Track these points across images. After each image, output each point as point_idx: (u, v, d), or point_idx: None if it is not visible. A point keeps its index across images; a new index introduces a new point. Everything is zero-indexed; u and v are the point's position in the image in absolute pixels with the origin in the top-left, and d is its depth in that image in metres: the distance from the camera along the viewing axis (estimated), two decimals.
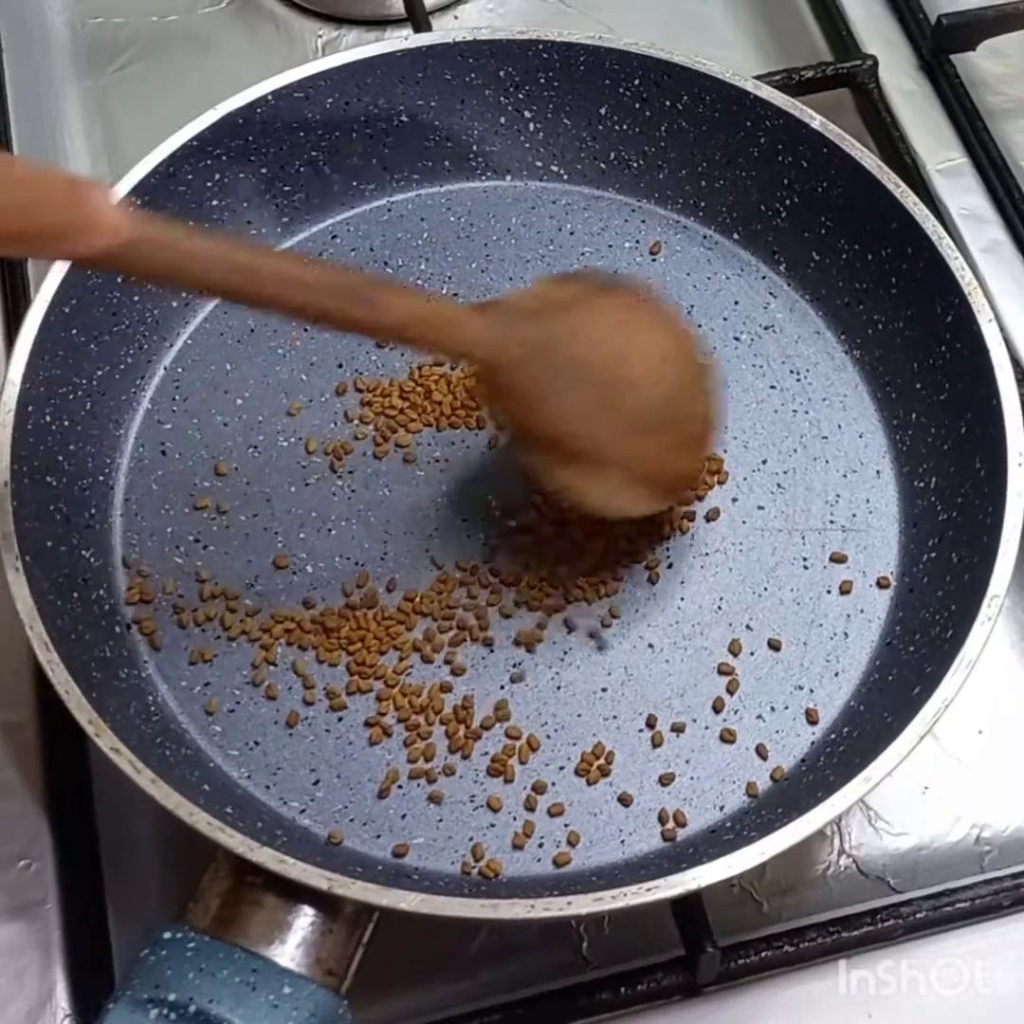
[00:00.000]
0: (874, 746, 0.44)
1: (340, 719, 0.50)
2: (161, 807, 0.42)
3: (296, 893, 0.41)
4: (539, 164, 0.62)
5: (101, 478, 0.54)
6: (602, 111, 0.60)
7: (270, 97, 0.58)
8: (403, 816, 0.48)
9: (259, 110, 0.58)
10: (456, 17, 0.74)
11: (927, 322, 0.54)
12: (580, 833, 0.47)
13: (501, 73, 0.60)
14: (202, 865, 0.42)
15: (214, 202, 0.58)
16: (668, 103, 0.59)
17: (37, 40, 0.73)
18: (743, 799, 0.48)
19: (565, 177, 0.62)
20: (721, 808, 0.48)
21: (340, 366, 0.57)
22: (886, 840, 0.51)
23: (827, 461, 0.55)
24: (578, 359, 0.48)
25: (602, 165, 0.61)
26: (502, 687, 0.50)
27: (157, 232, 0.41)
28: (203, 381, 0.57)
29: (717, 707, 0.50)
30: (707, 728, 0.49)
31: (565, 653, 0.51)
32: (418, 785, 0.48)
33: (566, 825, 0.48)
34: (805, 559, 0.53)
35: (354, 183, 0.61)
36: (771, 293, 0.59)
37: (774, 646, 0.51)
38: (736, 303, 0.59)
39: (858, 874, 0.51)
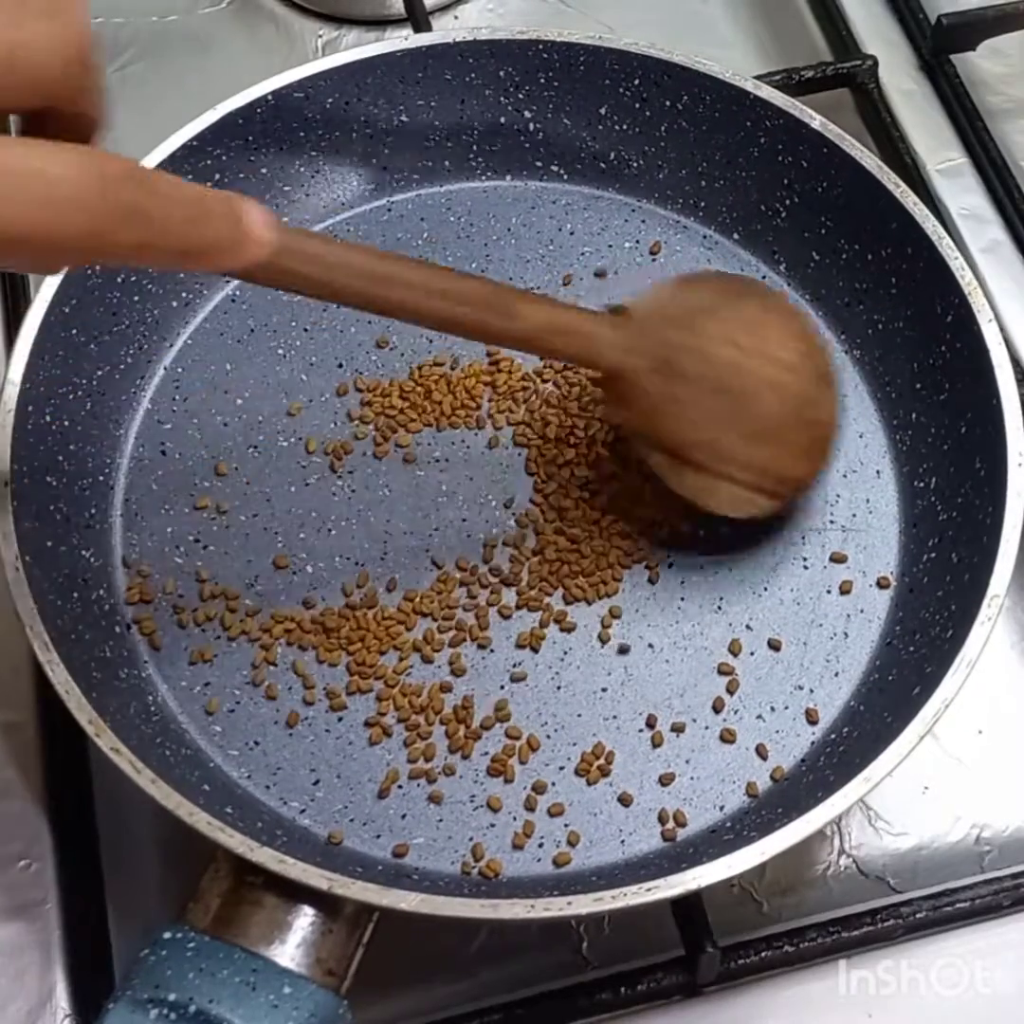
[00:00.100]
0: (874, 746, 0.44)
1: (340, 719, 0.50)
2: (161, 807, 0.42)
3: (296, 893, 0.41)
4: (539, 164, 0.62)
5: (101, 478, 0.54)
6: (602, 111, 0.60)
7: (270, 97, 0.58)
8: (403, 816, 0.48)
9: (259, 110, 0.58)
10: (456, 17, 0.74)
11: (927, 322, 0.54)
12: (580, 833, 0.47)
13: (501, 73, 0.60)
14: (202, 865, 0.42)
15: None
16: (668, 103, 0.59)
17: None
18: (743, 799, 0.48)
19: (565, 177, 0.62)
20: (721, 808, 0.48)
21: (340, 366, 0.57)
22: (886, 840, 0.51)
23: None
24: (705, 370, 0.49)
25: (602, 165, 0.61)
26: (502, 687, 0.50)
27: (302, 245, 0.41)
28: (203, 381, 0.57)
29: (717, 707, 0.50)
30: (707, 728, 0.49)
31: (565, 653, 0.51)
32: (418, 785, 0.48)
33: (566, 825, 0.48)
34: (805, 559, 0.53)
35: (354, 183, 0.61)
36: None
37: (774, 646, 0.51)
38: None
39: (858, 874, 0.51)
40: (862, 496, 0.54)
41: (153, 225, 0.34)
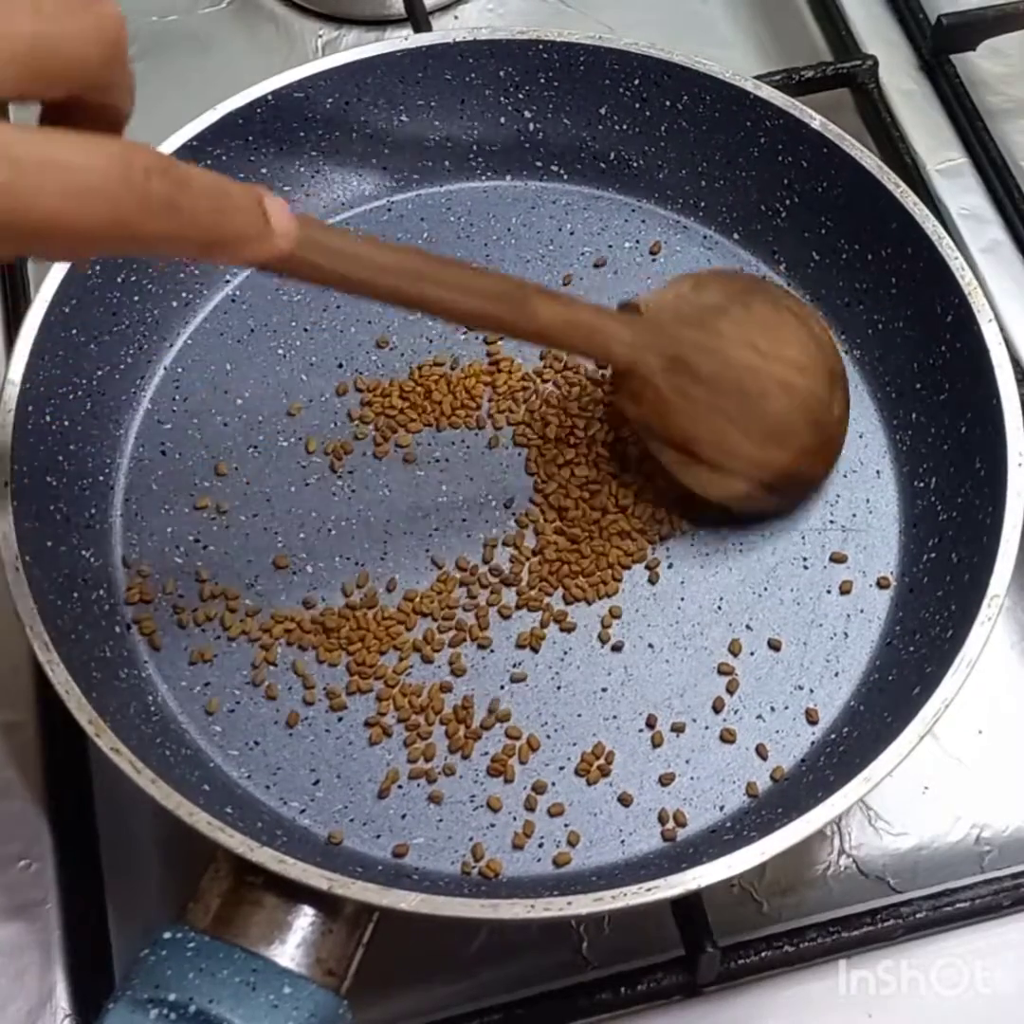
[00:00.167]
0: (874, 746, 0.44)
1: (340, 719, 0.50)
2: (161, 807, 0.42)
3: (296, 893, 0.41)
4: (539, 164, 0.62)
5: (101, 478, 0.54)
6: (602, 111, 0.60)
7: (270, 97, 0.58)
8: (403, 816, 0.48)
9: (259, 110, 0.58)
10: (456, 17, 0.74)
11: (927, 322, 0.54)
12: (580, 833, 0.47)
13: (501, 73, 0.60)
14: (202, 865, 0.42)
15: None
16: (668, 103, 0.59)
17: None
18: (743, 799, 0.48)
19: (565, 177, 0.62)
20: (721, 808, 0.48)
21: (340, 366, 0.57)
22: (886, 840, 0.51)
23: None
24: (718, 369, 0.50)
25: (602, 165, 0.61)
26: (502, 687, 0.50)
27: (326, 237, 0.42)
28: (203, 381, 0.57)
29: (717, 707, 0.50)
30: (707, 728, 0.49)
31: (565, 653, 0.51)
32: (418, 785, 0.48)
33: (566, 825, 0.48)
34: (805, 559, 0.53)
35: (354, 183, 0.61)
36: None
37: (774, 646, 0.51)
38: None
39: (858, 874, 0.51)
40: (862, 496, 0.54)
41: (181, 216, 0.34)
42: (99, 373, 0.55)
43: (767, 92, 0.57)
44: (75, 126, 0.34)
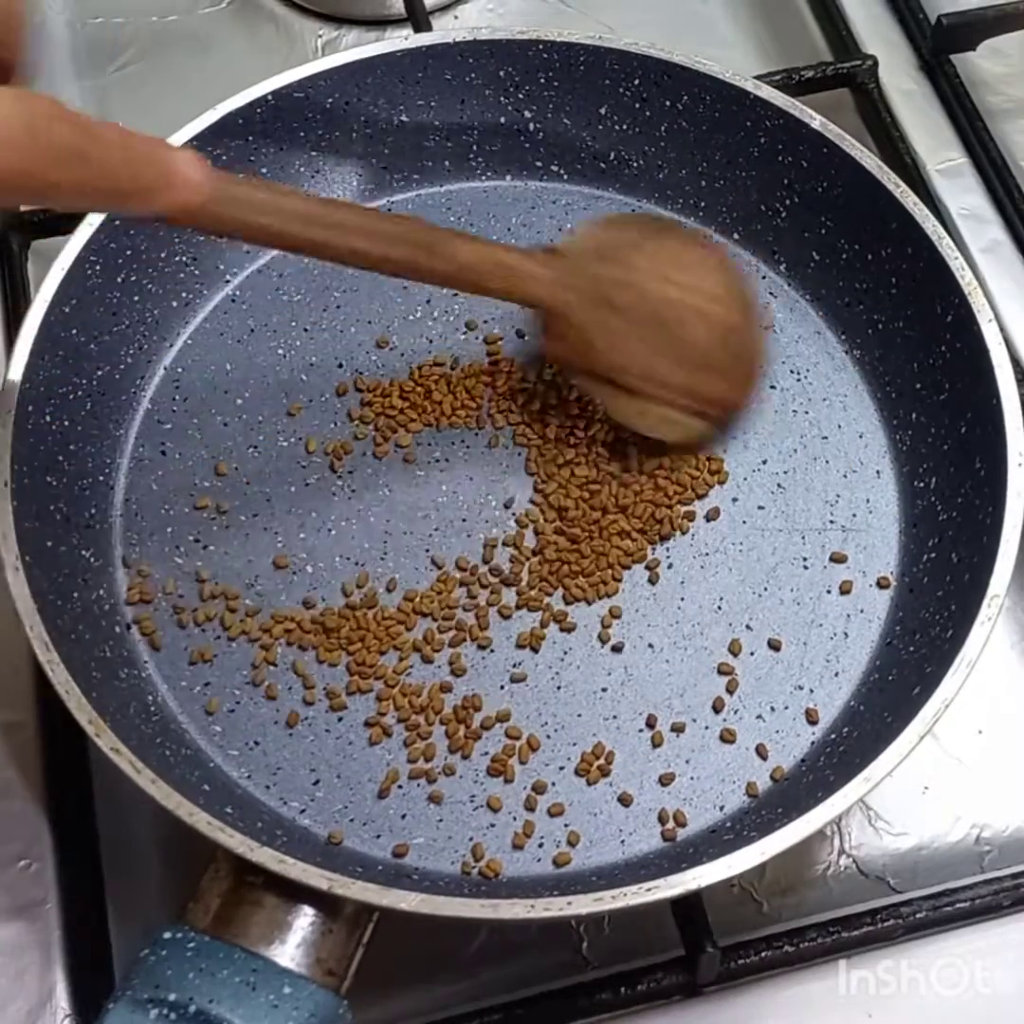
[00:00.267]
0: (874, 746, 0.44)
1: (340, 719, 0.50)
2: (161, 807, 0.42)
3: (296, 893, 0.41)
4: (539, 164, 0.62)
5: (101, 478, 0.54)
6: (602, 111, 0.60)
7: (270, 97, 0.58)
8: (403, 816, 0.48)
9: (259, 110, 0.58)
10: (456, 17, 0.74)
11: (927, 322, 0.54)
12: (580, 833, 0.47)
13: (501, 73, 0.60)
14: (202, 865, 0.42)
15: None
16: (668, 103, 0.59)
17: (37, 40, 0.73)
18: (743, 799, 0.48)
19: (565, 177, 0.62)
20: (721, 808, 0.48)
21: (340, 366, 0.57)
22: (886, 840, 0.51)
23: (827, 461, 0.55)
24: (636, 301, 0.52)
25: (602, 165, 0.61)
26: (502, 687, 0.50)
27: (234, 189, 0.43)
28: (203, 381, 0.57)
29: (717, 707, 0.50)
30: (707, 728, 0.49)
31: (565, 653, 0.51)
32: (418, 785, 0.48)
33: (566, 825, 0.48)
34: (805, 559, 0.53)
35: (354, 183, 0.61)
36: (771, 293, 0.59)
37: (774, 646, 0.51)
38: None
39: (858, 874, 0.51)
40: (862, 496, 0.54)
41: (90, 166, 0.35)
42: (99, 373, 0.55)
43: (767, 92, 0.57)
44: None
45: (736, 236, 0.60)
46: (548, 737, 0.49)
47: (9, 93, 0.33)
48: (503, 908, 0.42)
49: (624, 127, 0.60)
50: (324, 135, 0.60)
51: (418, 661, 0.51)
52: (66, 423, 0.53)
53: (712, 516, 0.53)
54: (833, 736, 0.49)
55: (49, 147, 0.34)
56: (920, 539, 0.52)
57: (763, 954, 0.48)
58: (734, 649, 0.51)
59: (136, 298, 0.56)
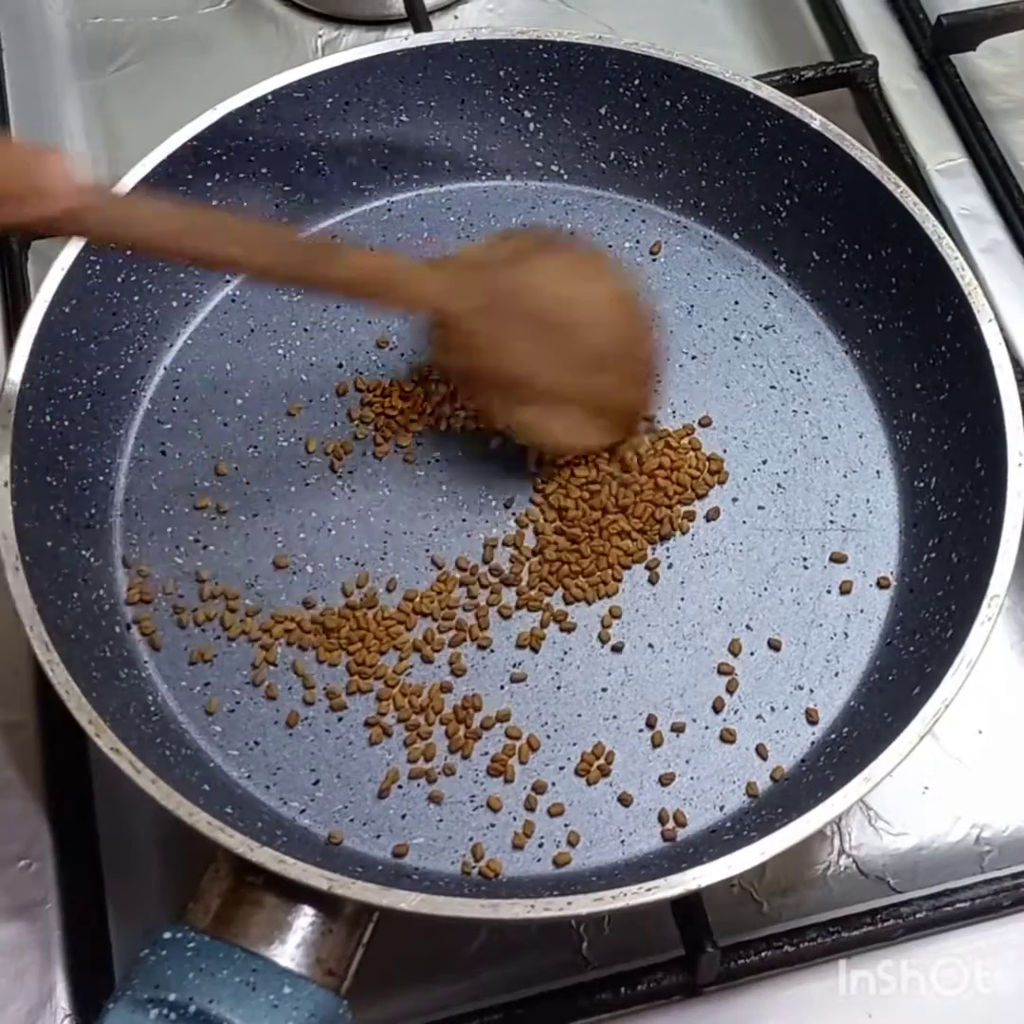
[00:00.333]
0: (874, 746, 0.44)
1: (340, 719, 0.50)
2: (161, 807, 0.42)
3: (296, 893, 0.41)
4: (539, 164, 0.62)
5: (101, 478, 0.54)
6: (602, 111, 0.60)
7: (270, 97, 0.58)
8: (403, 816, 0.48)
9: (259, 110, 0.58)
10: (456, 17, 0.74)
11: (927, 322, 0.54)
12: (580, 833, 0.47)
13: (501, 73, 0.60)
14: (202, 865, 0.42)
15: (214, 202, 0.58)
16: (668, 103, 0.59)
17: (37, 40, 0.73)
18: (743, 799, 0.48)
19: (565, 177, 0.62)
20: (721, 808, 0.48)
21: (340, 366, 0.57)
22: (886, 840, 0.51)
23: (827, 461, 0.55)
24: (529, 306, 0.52)
25: (602, 165, 0.61)
26: (502, 687, 0.50)
27: (114, 199, 0.43)
28: (203, 381, 0.57)
29: (717, 707, 0.50)
30: (707, 728, 0.49)
31: (565, 653, 0.51)
32: (418, 785, 0.48)
33: (566, 825, 0.48)
34: (805, 559, 0.53)
35: (354, 183, 0.61)
36: (771, 293, 0.59)
37: (774, 646, 0.51)
38: (736, 303, 0.59)
39: (858, 874, 0.51)
40: (862, 496, 0.54)
41: None
42: (99, 373, 0.55)
43: (767, 92, 0.57)
44: None
45: (736, 236, 0.60)
46: (548, 737, 0.49)
47: None
48: (503, 908, 0.42)
49: (624, 127, 0.60)
50: (324, 135, 0.60)
51: (418, 661, 0.51)
52: (66, 423, 0.53)
53: (712, 516, 0.53)
54: (833, 736, 0.49)
55: None
56: (920, 539, 0.52)
57: (763, 954, 0.48)
58: (734, 649, 0.51)
59: (136, 298, 0.56)
